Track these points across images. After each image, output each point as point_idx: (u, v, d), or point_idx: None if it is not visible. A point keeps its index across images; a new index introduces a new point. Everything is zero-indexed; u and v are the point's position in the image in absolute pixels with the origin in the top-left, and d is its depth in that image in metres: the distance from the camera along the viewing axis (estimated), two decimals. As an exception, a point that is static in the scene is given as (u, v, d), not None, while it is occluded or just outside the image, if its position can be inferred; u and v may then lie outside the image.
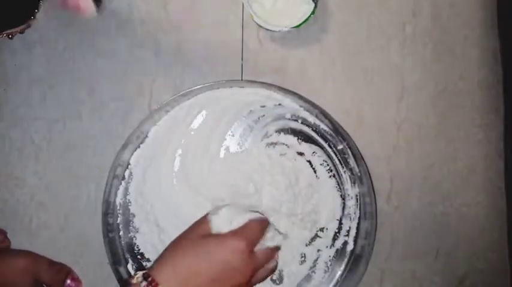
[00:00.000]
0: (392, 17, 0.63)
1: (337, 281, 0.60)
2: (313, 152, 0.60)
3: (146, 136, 0.60)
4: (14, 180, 0.61)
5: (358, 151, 0.60)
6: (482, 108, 0.63)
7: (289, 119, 0.60)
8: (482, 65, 0.63)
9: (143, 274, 0.45)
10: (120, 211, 0.60)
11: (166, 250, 0.49)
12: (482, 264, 0.62)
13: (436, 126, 0.63)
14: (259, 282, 0.50)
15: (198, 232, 0.48)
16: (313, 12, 0.58)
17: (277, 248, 0.52)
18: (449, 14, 0.63)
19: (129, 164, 0.60)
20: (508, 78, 0.62)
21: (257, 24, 0.60)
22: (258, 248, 0.49)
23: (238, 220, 0.49)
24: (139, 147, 0.60)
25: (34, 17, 0.60)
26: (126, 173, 0.60)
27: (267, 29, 0.60)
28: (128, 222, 0.60)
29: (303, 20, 0.58)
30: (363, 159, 0.60)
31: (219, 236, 0.48)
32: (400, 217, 0.61)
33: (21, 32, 0.61)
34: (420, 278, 0.62)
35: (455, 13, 0.63)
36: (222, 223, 0.49)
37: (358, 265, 0.59)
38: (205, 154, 0.60)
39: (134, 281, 0.44)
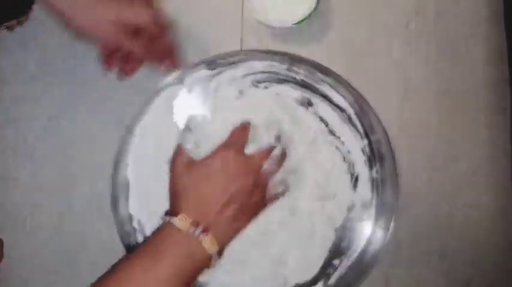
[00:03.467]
0: (396, 14, 0.62)
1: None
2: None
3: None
4: (7, 180, 0.61)
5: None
6: (487, 107, 0.62)
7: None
8: (487, 63, 0.63)
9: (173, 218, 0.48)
10: None
11: (172, 196, 0.52)
12: (487, 266, 0.61)
13: (439, 126, 0.62)
14: (269, 177, 0.53)
15: (183, 165, 0.52)
16: (315, 9, 0.58)
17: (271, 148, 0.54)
18: (453, 12, 0.63)
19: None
20: (515, 77, 0.62)
21: (257, 20, 0.60)
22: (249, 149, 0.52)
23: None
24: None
25: (31, 8, 0.60)
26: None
27: (268, 26, 0.59)
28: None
29: (305, 16, 0.58)
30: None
31: (207, 156, 0.51)
32: (404, 219, 0.61)
33: (20, 24, 0.60)
34: (424, 282, 0.61)
35: (460, 11, 0.63)
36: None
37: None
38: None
39: (181, 226, 0.47)
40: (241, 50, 0.60)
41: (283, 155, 0.55)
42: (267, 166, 0.53)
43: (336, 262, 0.59)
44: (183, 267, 0.47)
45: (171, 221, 0.48)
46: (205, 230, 0.47)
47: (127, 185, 0.59)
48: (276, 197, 0.55)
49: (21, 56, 0.61)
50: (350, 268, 0.59)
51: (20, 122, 0.61)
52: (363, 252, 0.59)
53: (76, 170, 0.61)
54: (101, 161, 0.60)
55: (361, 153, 0.59)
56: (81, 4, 0.49)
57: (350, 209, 0.59)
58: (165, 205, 0.58)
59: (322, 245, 0.59)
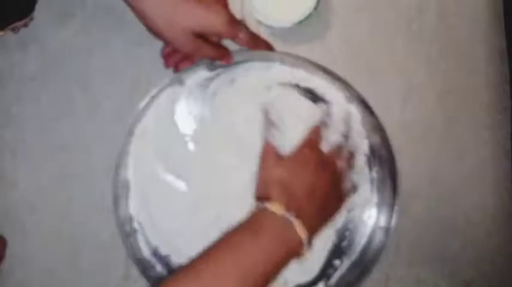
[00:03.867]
0: (398, 14, 0.62)
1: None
2: None
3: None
4: (6, 181, 0.61)
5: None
6: (489, 107, 0.62)
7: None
8: (489, 63, 0.62)
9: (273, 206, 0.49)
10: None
11: (258, 181, 0.54)
12: (489, 268, 0.61)
13: (442, 126, 0.62)
14: (344, 168, 0.55)
15: (272, 158, 0.54)
16: (315, 8, 0.58)
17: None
18: (455, 12, 0.63)
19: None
20: (516, 77, 0.62)
21: (257, 19, 0.60)
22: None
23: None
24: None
25: (34, 10, 0.60)
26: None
27: (268, 25, 0.59)
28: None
29: (305, 16, 0.58)
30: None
31: (293, 152, 0.54)
32: (406, 220, 0.60)
33: (25, 25, 0.60)
34: (425, 282, 0.61)
35: (462, 10, 0.63)
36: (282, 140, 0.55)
37: None
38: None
39: (276, 211, 0.49)
40: (241, 50, 0.59)
41: (352, 155, 0.57)
42: (339, 162, 0.55)
43: (336, 262, 0.59)
44: (277, 250, 0.48)
45: (266, 205, 0.49)
46: (297, 216, 0.49)
47: (127, 185, 0.59)
48: (349, 193, 0.57)
49: (20, 56, 0.61)
50: (350, 268, 0.59)
51: (19, 122, 0.61)
52: (364, 253, 0.59)
53: (75, 171, 0.61)
54: (100, 162, 0.60)
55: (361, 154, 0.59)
56: (160, 7, 0.51)
57: (350, 209, 0.59)
58: (165, 205, 0.59)
59: (322, 245, 0.59)
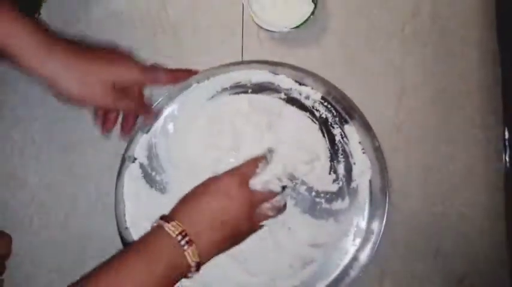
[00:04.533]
0: (392, 17, 0.63)
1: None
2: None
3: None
4: (15, 180, 0.62)
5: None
6: (481, 108, 0.63)
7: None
8: (481, 65, 0.63)
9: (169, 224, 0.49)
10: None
11: (177, 203, 0.53)
12: (481, 264, 0.62)
13: (435, 126, 0.63)
14: (264, 218, 0.55)
15: (201, 184, 0.54)
16: (313, 13, 0.59)
17: (277, 192, 0.55)
18: (448, 15, 0.63)
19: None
20: (507, 79, 0.62)
21: (257, 24, 0.61)
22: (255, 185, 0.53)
23: None
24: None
25: (40, 13, 0.61)
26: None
27: (267, 30, 0.60)
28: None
29: (303, 20, 0.59)
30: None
31: (217, 176, 0.53)
32: (400, 217, 0.61)
33: None
34: (420, 278, 0.62)
35: (455, 14, 0.63)
36: None
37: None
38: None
39: (171, 233, 0.49)
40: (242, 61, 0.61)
41: (283, 207, 0.56)
42: (267, 206, 0.54)
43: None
44: (167, 273, 0.48)
45: (164, 225, 0.49)
46: (189, 242, 0.49)
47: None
48: (262, 226, 0.56)
49: None
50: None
51: (27, 123, 0.62)
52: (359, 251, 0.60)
53: (82, 170, 0.62)
54: (106, 162, 0.61)
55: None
56: (68, 67, 0.50)
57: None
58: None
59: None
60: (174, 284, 0.50)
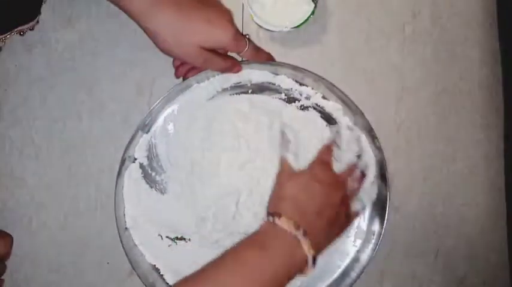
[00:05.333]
0: (392, 17, 0.63)
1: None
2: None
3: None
4: (14, 180, 0.62)
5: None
6: (482, 108, 0.63)
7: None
8: (482, 65, 0.63)
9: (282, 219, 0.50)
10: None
11: (271, 196, 0.55)
12: (482, 264, 0.62)
13: (436, 126, 0.63)
14: (353, 194, 0.56)
15: (285, 176, 0.55)
16: (313, 13, 0.59)
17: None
18: (449, 15, 0.64)
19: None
20: (508, 78, 0.63)
21: (257, 24, 0.61)
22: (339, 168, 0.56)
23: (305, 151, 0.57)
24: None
25: (40, 13, 0.60)
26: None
27: (267, 29, 0.60)
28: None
29: (303, 20, 0.59)
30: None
31: (305, 170, 0.55)
32: (400, 217, 0.62)
33: (31, 28, 0.61)
34: (420, 278, 0.62)
35: (455, 13, 0.64)
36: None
37: None
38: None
39: (285, 227, 0.50)
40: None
41: (362, 175, 0.57)
42: (350, 183, 0.56)
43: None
44: (284, 266, 0.49)
45: (276, 221, 0.50)
46: (305, 233, 0.50)
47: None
48: (357, 213, 0.57)
49: (27, 59, 0.62)
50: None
51: (26, 123, 0.62)
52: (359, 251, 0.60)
53: (81, 170, 0.62)
54: (106, 162, 0.61)
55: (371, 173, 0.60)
56: (169, 25, 0.53)
57: None
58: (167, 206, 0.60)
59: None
60: (291, 278, 0.50)
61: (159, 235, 0.60)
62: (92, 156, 0.62)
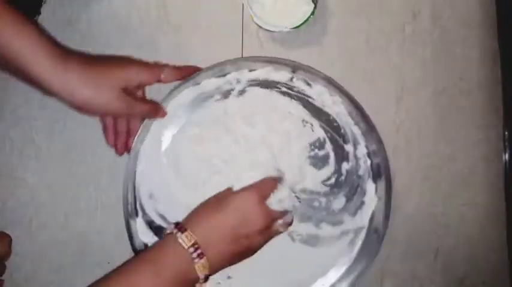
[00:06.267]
0: (392, 17, 0.63)
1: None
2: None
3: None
4: (14, 180, 0.62)
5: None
6: (481, 108, 0.63)
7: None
8: (481, 65, 0.63)
9: (179, 232, 0.50)
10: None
11: (192, 212, 0.54)
12: (482, 264, 0.62)
13: (435, 126, 0.63)
14: (275, 234, 0.55)
15: (218, 196, 0.55)
16: (312, 13, 0.59)
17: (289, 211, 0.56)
18: (448, 15, 0.64)
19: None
20: (507, 79, 0.63)
21: (257, 24, 0.61)
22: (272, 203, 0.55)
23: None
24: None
25: (40, 13, 0.61)
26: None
27: (267, 30, 0.60)
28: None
29: (303, 20, 0.59)
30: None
31: (235, 191, 0.54)
32: (400, 217, 0.61)
33: None
34: (420, 278, 0.62)
35: (455, 14, 0.64)
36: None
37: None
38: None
39: (183, 244, 0.49)
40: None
41: (291, 222, 0.57)
42: (278, 226, 0.55)
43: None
44: (175, 279, 0.49)
45: (177, 235, 0.50)
46: (200, 255, 0.49)
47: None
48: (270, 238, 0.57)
49: None
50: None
51: (26, 123, 0.62)
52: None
53: (82, 170, 0.62)
54: (106, 162, 0.61)
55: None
56: (80, 77, 0.50)
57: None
58: (173, 191, 0.60)
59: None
60: None
61: None
62: (92, 156, 0.62)
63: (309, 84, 0.61)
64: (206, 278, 0.51)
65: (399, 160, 0.62)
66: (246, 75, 0.60)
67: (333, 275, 0.60)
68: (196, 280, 0.50)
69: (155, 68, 0.57)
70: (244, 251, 0.53)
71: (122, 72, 0.53)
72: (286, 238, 0.60)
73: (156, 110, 0.58)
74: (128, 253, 0.59)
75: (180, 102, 0.60)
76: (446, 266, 0.62)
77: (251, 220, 0.52)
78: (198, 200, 0.56)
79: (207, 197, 0.57)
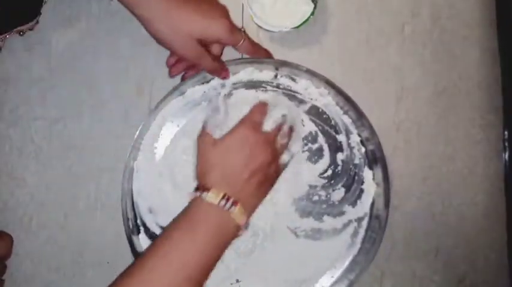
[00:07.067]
0: (392, 17, 0.63)
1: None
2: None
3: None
4: (14, 180, 0.62)
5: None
6: (481, 108, 0.63)
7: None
8: (481, 65, 0.64)
9: (204, 191, 0.50)
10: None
11: (198, 167, 0.54)
12: (481, 263, 0.62)
13: (435, 126, 0.63)
14: (282, 150, 0.56)
15: (208, 143, 0.54)
16: (312, 13, 0.59)
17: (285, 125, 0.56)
18: (448, 15, 0.64)
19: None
20: (507, 78, 0.63)
21: (257, 24, 0.61)
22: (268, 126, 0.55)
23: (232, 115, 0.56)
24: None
25: (41, 13, 0.60)
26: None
27: (267, 30, 0.60)
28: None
29: (303, 20, 0.59)
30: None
31: (228, 133, 0.54)
32: (400, 217, 0.62)
33: (31, 28, 0.61)
34: (420, 278, 0.62)
35: (455, 14, 0.64)
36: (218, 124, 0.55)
37: None
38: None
39: (213, 200, 0.50)
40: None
41: (290, 130, 0.57)
42: (279, 139, 0.56)
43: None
44: (216, 238, 0.50)
45: (203, 196, 0.50)
46: (234, 203, 0.50)
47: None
48: (285, 165, 0.57)
49: (27, 59, 0.62)
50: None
51: (26, 122, 0.62)
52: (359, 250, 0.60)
53: (81, 169, 0.62)
54: (106, 162, 0.61)
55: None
56: (165, 14, 0.52)
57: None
58: (171, 202, 0.59)
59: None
60: (227, 247, 0.51)
61: None
62: (91, 156, 0.62)
63: (293, 80, 0.60)
64: (247, 223, 0.51)
65: (399, 159, 0.62)
66: (229, 79, 0.60)
67: (340, 265, 0.60)
68: (237, 229, 0.51)
69: (236, 33, 0.56)
70: (266, 180, 0.54)
71: (203, 23, 0.53)
72: (290, 235, 0.60)
73: (221, 69, 0.58)
74: (128, 253, 0.59)
75: (168, 113, 0.60)
76: (446, 265, 0.62)
77: (257, 148, 0.53)
78: None
79: None
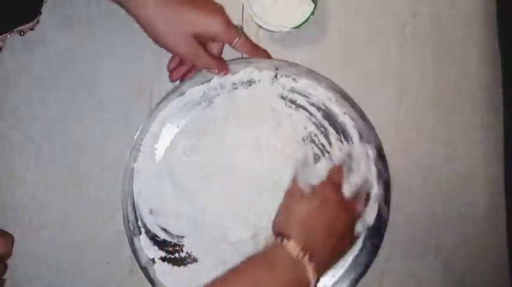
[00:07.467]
0: (392, 17, 0.63)
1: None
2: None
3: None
4: (14, 180, 0.62)
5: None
6: (481, 108, 0.63)
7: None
8: (481, 65, 0.64)
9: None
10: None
11: (279, 215, 0.54)
12: (481, 264, 0.62)
13: (435, 126, 0.63)
14: (358, 218, 0.55)
15: (297, 195, 0.54)
16: (312, 13, 0.59)
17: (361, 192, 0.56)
18: (448, 15, 0.64)
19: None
20: (507, 79, 0.63)
21: (257, 24, 0.61)
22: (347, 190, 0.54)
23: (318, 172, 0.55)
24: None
25: (41, 13, 0.60)
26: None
27: (267, 30, 0.60)
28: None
29: (303, 20, 0.59)
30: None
31: (316, 192, 0.53)
32: (400, 217, 0.62)
33: (32, 28, 0.61)
34: (420, 278, 0.62)
35: (455, 14, 0.64)
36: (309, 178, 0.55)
37: None
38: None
39: (292, 251, 0.50)
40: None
41: (368, 197, 0.57)
42: (358, 207, 0.55)
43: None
44: (289, 284, 0.49)
45: (284, 244, 0.50)
46: (311, 259, 0.50)
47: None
48: (358, 236, 0.57)
49: (27, 59, 0.62)
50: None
51: (26, 122, 0.62)
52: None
53: (81, 169, 0.62)
54: (106, 161, 0.61)
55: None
56: (162, 12, 0.52)
57: None
58: (172, 204, 0.60)
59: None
60: None
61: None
62: (92, 156, 0.62)
63: (294, 79, 0.60)
64: (317, 281, 0.51)
65: (399, 160, 0.62)
66: (229, 78, 0.59)
67: (341, 265, 0.60)
68: (306, 285, 0.50)
69: (232, 29, 0.56)
70: (343, 245, 0.54)
71: (198, 18, 0.54)
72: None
73: (220, 66, 0.58)
74: (128, 253, 0.59)
75: (168, 114, 0.60)
76: (446, 266, 0.62)
77: (339, 211, 0.53)
78: (198, 210, 0.56)
79: (207, 206, 0.58)
